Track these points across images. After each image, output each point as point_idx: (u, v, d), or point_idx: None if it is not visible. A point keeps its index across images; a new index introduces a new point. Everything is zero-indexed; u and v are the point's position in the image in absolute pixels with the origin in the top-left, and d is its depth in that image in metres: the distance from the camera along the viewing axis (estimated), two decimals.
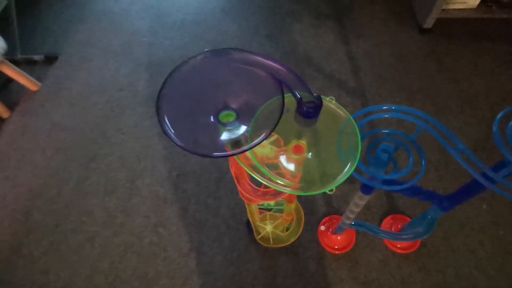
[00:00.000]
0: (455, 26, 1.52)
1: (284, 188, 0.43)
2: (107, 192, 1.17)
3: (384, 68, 1.42)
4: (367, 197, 0.69)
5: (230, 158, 0.55)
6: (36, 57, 1.53)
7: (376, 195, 1.11)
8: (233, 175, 0.58)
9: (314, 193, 0.43)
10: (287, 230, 1.01)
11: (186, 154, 1.23)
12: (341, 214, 1.07)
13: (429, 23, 1.48)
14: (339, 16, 1.61)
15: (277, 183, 0.43)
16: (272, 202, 0.79)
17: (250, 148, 0.39)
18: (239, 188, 0.61)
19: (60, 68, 1.51)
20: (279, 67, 0.39)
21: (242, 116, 0.41)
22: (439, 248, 1.01)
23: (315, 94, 0.40)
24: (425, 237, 0.84)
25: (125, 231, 1.09)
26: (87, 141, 1.29)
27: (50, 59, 1.54)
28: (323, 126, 0.46)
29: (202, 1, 1.74)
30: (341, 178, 0.43)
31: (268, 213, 0.98)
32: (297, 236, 1.01)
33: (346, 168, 0.44)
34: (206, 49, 0.42)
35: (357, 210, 0.78)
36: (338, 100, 0.50)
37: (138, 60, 1.52)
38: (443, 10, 1.45)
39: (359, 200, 0.73)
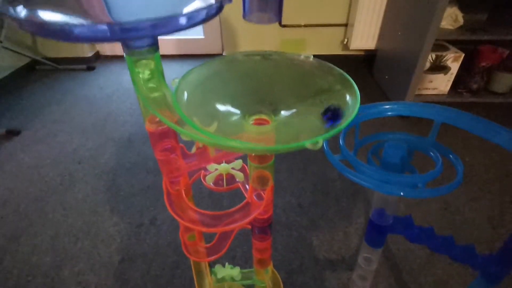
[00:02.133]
0: None
1: (249, 145, 0.24)
2: (17, 284, 0.84)
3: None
4: (377, 254, 0.46)
5: (160, 163, 0.35)
6: None
7: (384, 284, 0.82)
8: (166, 200, 0.37)
9: (294, 144, 0.24)
10: None
11: (140, 233, 0.96)
12: None
13: None
14: None
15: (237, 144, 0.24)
16: (236, 274, 0.53)
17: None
18: (180, 223, 0.38)
19: (19, 142, 1.38)
20: None
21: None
22: None
23: None
24: None
25: None
26: (16, 217, 1.02)
27: (12, 133, 1.42)
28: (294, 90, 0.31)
29: None
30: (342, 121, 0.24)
31: (227, 283, 0.66)
32: None
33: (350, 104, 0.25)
34: None
35: (365, 285, 0.52)
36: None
37: (108, 135, 1.42)
38: (416, 95, 1.51)
39: (367, 264, 0.49)
